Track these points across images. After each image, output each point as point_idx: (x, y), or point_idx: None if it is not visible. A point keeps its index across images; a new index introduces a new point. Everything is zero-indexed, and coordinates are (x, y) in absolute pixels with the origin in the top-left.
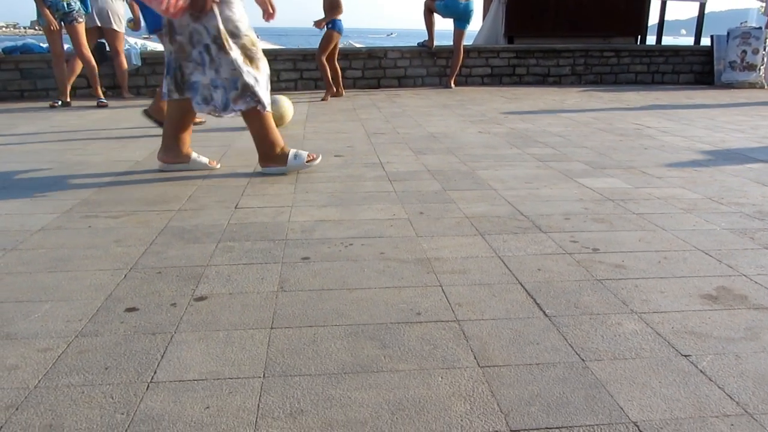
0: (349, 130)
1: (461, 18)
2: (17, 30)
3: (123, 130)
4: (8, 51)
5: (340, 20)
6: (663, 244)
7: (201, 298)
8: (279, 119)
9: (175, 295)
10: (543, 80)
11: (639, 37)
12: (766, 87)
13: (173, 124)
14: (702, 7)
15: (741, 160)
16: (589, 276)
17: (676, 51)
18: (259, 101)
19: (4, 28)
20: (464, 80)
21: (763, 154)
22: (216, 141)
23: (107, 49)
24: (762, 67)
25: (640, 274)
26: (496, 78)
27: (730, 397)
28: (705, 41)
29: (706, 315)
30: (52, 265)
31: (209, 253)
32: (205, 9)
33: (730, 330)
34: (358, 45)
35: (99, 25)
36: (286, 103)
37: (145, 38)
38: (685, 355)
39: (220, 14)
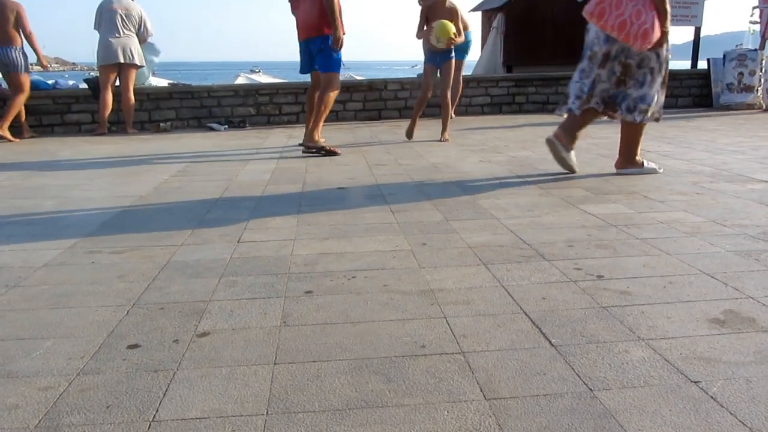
0: (351, 162)
1: (460, 49)
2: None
3: (128, 165)
4: None
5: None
6: (668, 269)
7: (204, 334)
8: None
9: (178, 331)
10: (542, 108)
11: None
12: (764, 107)
13: (630, 137)
14: (697, 31)
15: (743, 182)
16: (594, 303)
17: (674, 75)
18: (651, 118)
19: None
20: (464, 110)
21: (764, 174)
22: (219, 174)
23: (116, 84)
24: (759, 88)
25: (646, 299)
26: (496, 107)
27: (743, 423)
28: (702, 64)
29: (715, 339)
30: (54, 302)
31: (212, 288)
32: (661, 42)
33: (740, 354)
34: (358, 77)
35: (122, 61)
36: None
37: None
38: (695, 382)
39: (666, 45)
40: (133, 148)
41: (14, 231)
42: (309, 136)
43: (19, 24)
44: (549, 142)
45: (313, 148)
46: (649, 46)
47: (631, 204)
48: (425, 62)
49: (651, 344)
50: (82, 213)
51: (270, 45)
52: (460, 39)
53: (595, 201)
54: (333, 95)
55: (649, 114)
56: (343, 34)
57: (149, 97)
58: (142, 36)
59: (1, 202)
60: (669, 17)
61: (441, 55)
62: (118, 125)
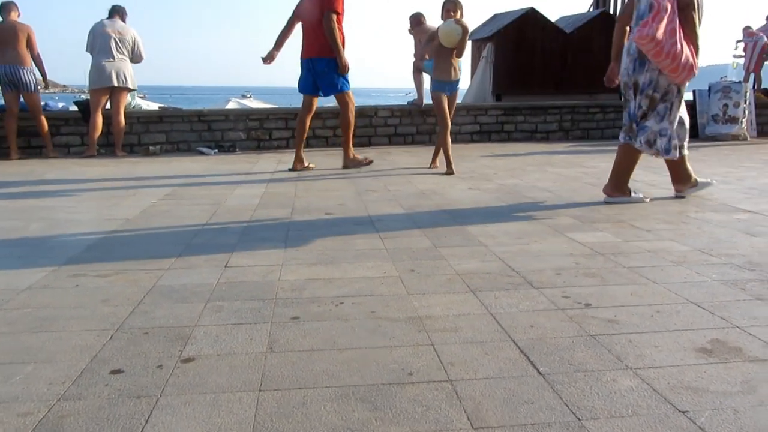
0: (340, 188)
1: None
2: None
3: (115, 188)
4: None
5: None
6: (655, 298)
7: (188, 360)
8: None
9: (162, 356)
10: (531, 136)
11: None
12: (749, 139)
13: (625, 164)
14: None
15: (728, 211)
16: (582, 332)
17: None
18: (661, 150)
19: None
20: (454, 137)
21: (749, 204)
22: (207, 199)
23: (107, 107)
24: (744, 120)
25: (634, 328)
26: (485, 135)
27: None
28: (687, 96)
29: (702, 369)
30: (36, 326)
31: (198, 313)
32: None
33: (727, 384)
34: None
35: (116, 85)
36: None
37: (140, 97)
38: (683, 411)
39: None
40: (121, 171)
41: None
42: (345, 159)
43: (30, 45)
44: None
45: (353, 167)
46: (689, 80)
47: (618, 233)
48: (434, 89)
49: (639, 373)
50: (67, 236)
51: (261, 70)
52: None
53: (583, 229)
54: (352, 113)
55: (683, 150)
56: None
57: (139, 120)
58: (136, 59)
59: None
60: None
61: (450, 84)
62: (107, 148)
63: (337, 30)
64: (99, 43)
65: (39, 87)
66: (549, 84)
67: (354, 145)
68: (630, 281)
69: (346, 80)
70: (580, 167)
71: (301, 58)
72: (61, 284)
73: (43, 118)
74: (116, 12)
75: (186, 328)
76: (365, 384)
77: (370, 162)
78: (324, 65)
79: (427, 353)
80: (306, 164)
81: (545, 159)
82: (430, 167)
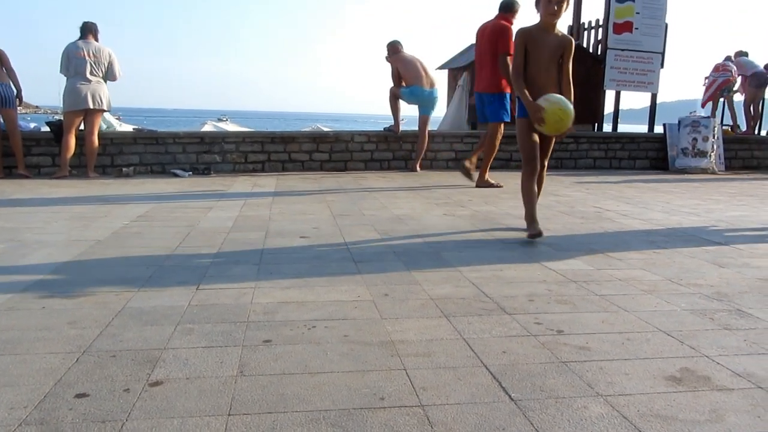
0: (315, 212)
1: (426, 104)
2: None
3: (86, 210)
4: None
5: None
6: (626, 326)
7: (156, 383)
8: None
9: (129, 379)
10: (506, 164)
11: (596, 124)
12: (717, 172)
13: None
14: (653, 97)
15: (697, 243)
16: (554, 358)
17: (632, 138)
18: None
19: None
20: (429, 164)
21: (717, 236)
22: (180, 221)
23: (81, 128)
24: (712, 154)
25: (605, 355)
26: (461, 162)
27: None
28: (658, 129)
29: (671, 397)
30: None
31: (167, 336)
32: None
33: (696, 412)
34: (325, 129)
35: (91, 107)
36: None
37: (116, 118)
38: None
39: None
40: (93, 193)
41: None
42: (479, 179)
43: (3, 63)
44: None
45: (485, 186)
46: None
47: (590, 261)
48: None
49: (609, 400)
50: (35, 257)
51: (237, 94)
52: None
53: (557, 257)
54: (498, 141)
55: None
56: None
57: (113, 141)
58: (111, 77)
59: None
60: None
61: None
62: (79, 169)
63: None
64: (74, 65)
65: (16, 103)
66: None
67: (329, 170)
68: (601, 309)
69: (507, 112)
70: (553, 195)
71: (475, 92)
72: (27, 306)
73: (19, 136)
74: (89, 31)
75: (155, 351)
76: (336, 408)
77: (500, 186)
78: (492, 98)
79: (400, 378)
80: (492, 182)
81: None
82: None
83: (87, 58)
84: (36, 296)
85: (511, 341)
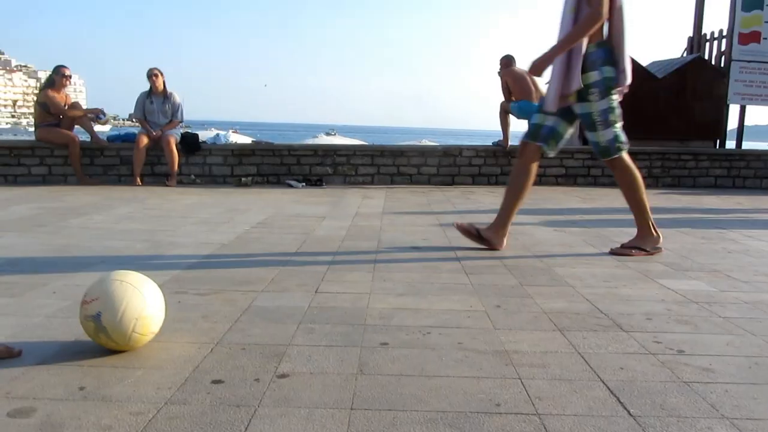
0: (425, 223)
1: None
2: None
3: (211, 216)
4: (112, 139)
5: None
6: (753, 350)
7: (283, 376)
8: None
9: (259, 370)
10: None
11: (717, 141)
12: None
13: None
14: None
15: None
16: (674, 377)
17: (759, 155)
18: None
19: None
20: (538, 179)
21: None
22: (296, 228)
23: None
24: None
25: (730, 378)
26: (571, 178)
27: None
28: None
29: None
30: None
31: (291, 334)
32: None
33: None
34: (432, 143)
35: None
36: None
37: (233, 131)
38: None
39: None
40: (215, 200)
41: (108, 269)
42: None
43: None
44: None
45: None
46: None
47: (713, 282)
48: None
49: (736, 424)
50: (169, 257)
51: (343, 109)
52: None
53: (675, 276)
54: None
55: None
56: None
57: (233, 153)
58: (176, 121)
59: (97, 242)
60: None
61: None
62: (202, 177)
63: None
64: (148, 111)
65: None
66: (638, 129)
67: (437, 183)
68: (726, 331)
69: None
70: (669, 214)
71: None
72: (165, 299)
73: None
74: (154, 75)
75: (280, 346)
76: (453, 411)
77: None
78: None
79: (514, 386)
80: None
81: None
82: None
83: (160, 113)
84: (172, 291)
85: (629, 358)
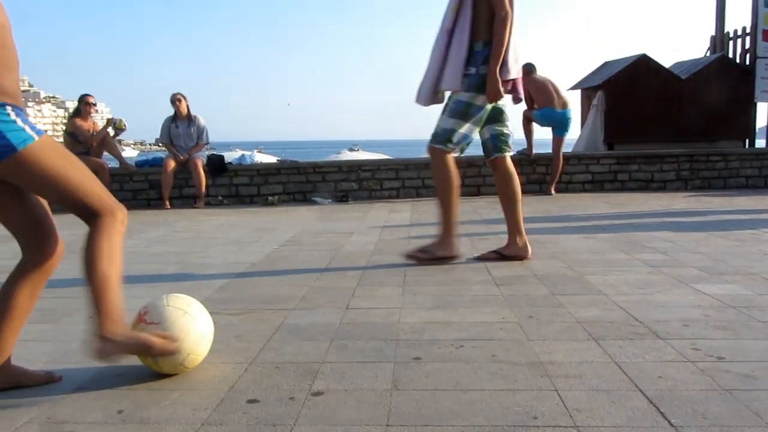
0: None
1: (559, 126)
2: (143, 146)
3: (239, 236)
4: (140, 164)
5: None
6: None
7: (318, 393)
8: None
9: (293, 389)
10: (647, 186)
11: (747, 140)
12: None
13: None
14: None
15: None
16: (715, 385)
17: None
18: None
19: (133, 145)
20: (564, 187)
21: None
22: (324, 245)
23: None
24: None
25: None
26: (598, 184)
27: None
28: None
29: None
30: None
31: (323, 351)
32: None
33: None
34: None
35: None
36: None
37: (258, 151)
38: None
39: None
40: (243, 220)
41: (141, 293)
42: None
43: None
44: None
45: None
46: None
47: (750, 286)
48: None
49: None
50: (200, 277)
51: (363, 125)
52: None
53: (710, 281)
54: None
55: None
56: None
57: (259, 172)
58: (201, 143)
59: (129, 266)
60: None
61: None
62: (229, 198)
63: None
64: (174, 135)
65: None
66: (664, 131)
67: (462, 195)
68: (767, 336)
69: None
70: (700, 216)
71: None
72: None
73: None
74: (177, 100)
75: (314, 363)
76: (490, 425)
77: None
78: None
79: (551, 398)
80: None
81: (663, 209)
82: None
83: (184, 137)
84: None
85: (667, 366)
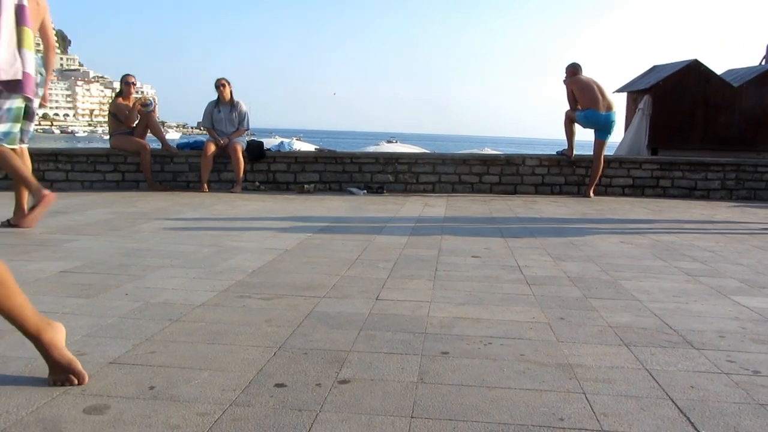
0: (486, 233)
1: (602, 129)
2: (186, 129)
3: (274, 222)
4: (181, 146)
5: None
6: None
7: (344, 381)
8: None
9: (320, 375)
10: (689, 194)
11: None
12: None
13: None
14: None
15: None
16: (750, 399)
17: None
18: None
19: (175, 128)
20: (604, 190)
21: None
22: (357, 236)
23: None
24: None
25: None
26: (638, 189)
27: None
28: None
29: None
30: (210, 338)
31: (352, 340)
32: None
33: None
34: (494, 152)
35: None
36: None
37: (297, 139)
38: None
39: None
40: (279, 207)
41: (177, 273)
42: None
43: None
44: None
45: None
46: None
47: None
48: None
49: None
50: (234, 261)
51: (402, 118)
52: None
53: (751, 294)
54: None
55: None
56: None
57: (297, 160)
58: (242, 129)
59: (166, 246)
60: None
61: None
62: (266, 184)
63: None
64: (216, 120)
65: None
66: (711, 139)
67: (499, 192)
68: None
69: None
70: (744, 227)
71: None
72: (230, 303)
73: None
74: (222, 85)
75: (342, 352)
76: (515, 423)
77: None
78: None
79: (578, 401)
80: None
81: (706, 218)
82: None
83: (227, 122)
84: (237, 295)
85: (700, 377)
